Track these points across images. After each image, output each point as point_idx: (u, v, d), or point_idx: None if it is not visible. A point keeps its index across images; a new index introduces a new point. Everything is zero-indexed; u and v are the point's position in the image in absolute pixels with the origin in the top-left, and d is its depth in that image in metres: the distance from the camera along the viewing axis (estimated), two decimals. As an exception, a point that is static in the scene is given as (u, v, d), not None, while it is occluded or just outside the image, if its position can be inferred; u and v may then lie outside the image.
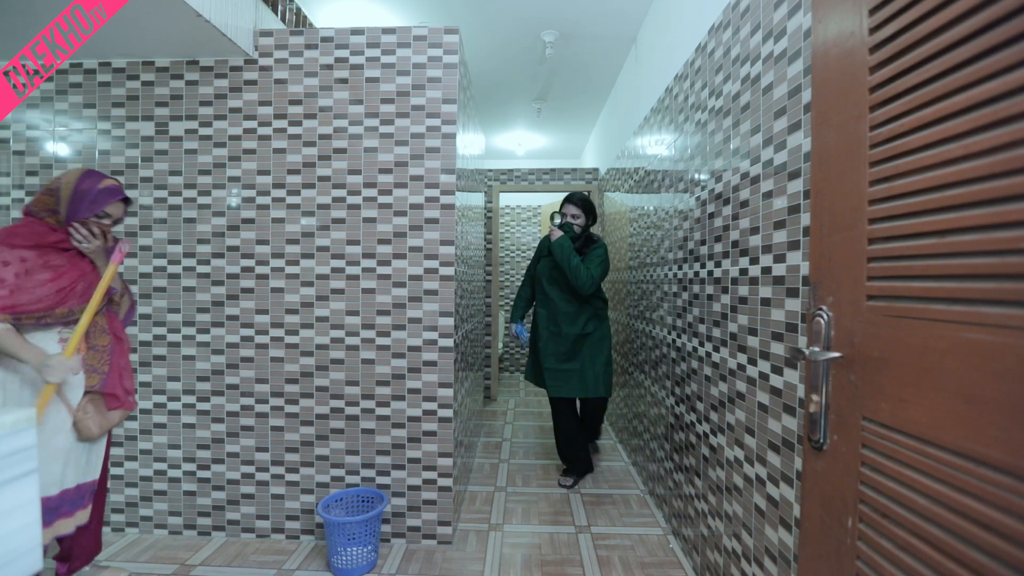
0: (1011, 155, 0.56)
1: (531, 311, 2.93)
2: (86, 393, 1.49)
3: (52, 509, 1.40)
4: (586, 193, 2.75)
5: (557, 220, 2.70)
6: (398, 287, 2.06)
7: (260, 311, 2.08)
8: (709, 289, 1.77)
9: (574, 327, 2.68)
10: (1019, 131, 0.55)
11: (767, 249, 1.36)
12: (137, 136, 2.09)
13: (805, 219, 1.18)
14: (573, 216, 2.70)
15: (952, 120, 0.63)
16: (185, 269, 2.10)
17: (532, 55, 3.12)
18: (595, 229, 4.62)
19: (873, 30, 0.75)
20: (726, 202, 1.63)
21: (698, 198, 1.88)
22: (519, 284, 2.92)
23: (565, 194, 5.37)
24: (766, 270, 1.37)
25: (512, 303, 2.91)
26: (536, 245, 6.65)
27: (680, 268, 2.10)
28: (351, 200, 2.06)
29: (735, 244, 1.56)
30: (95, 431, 1.49)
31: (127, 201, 1.56)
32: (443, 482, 2.08)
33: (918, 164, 0.68)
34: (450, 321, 2.05)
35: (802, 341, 1.19)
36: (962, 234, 0.62)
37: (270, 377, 2.09)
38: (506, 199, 5.93)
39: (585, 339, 2.70)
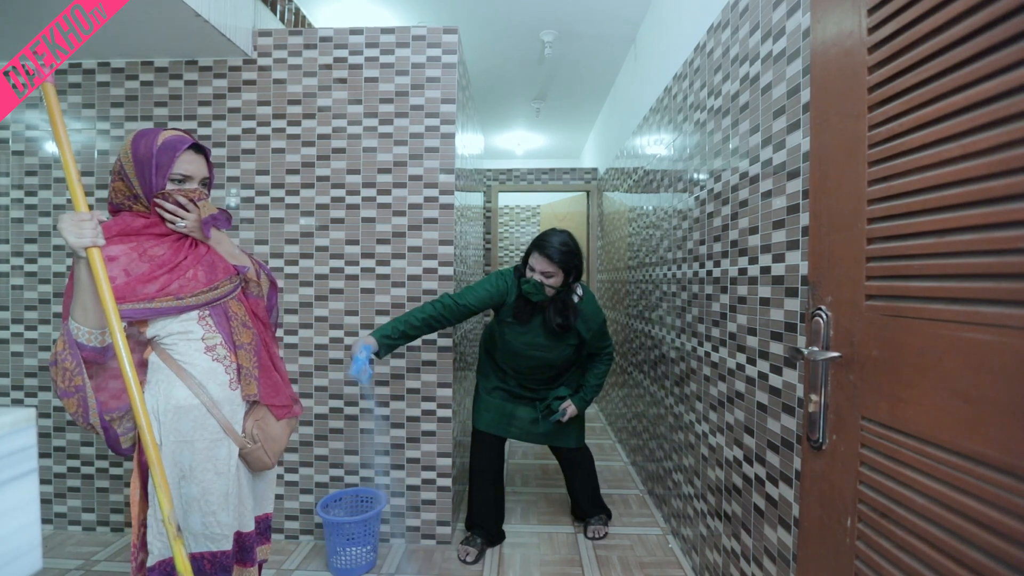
0: (1009, 155, 0.56)
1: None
2: (250, 408, 1.19)
3: (226, 567, 1.14)
4: (567, 242, 1.80)
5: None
6: (397, 287, 2.06)
7: (259, 311, 2.08)
8: (708, 289, 1.78)
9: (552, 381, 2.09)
10: (1017, 131, 0.56)
11: (766, 249, 1.36)
12: (136, 136, 2.09)
13: (804, 219, 1.18)
14: (544, 274, 1.79)
15: (951, 120, 0.63)
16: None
17: (531, 55, 3.12)
18: (595, 235, 4.57)
19: (872, 30, 0.75)
20: (725, 202, 1.63)
21: (697, 198, 1.88)
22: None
23: (565, 195, 5.35)
24: (765, 270, 1.37)
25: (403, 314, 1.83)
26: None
27: (679, 268, 2.10)
28: (350, 200, 2.06)
29: (734, 244, 1.56)
30: (270, 460, 1.20)
31: (201, 150, 1.17)
32: (442, 482, 2.08)
33: (917, 164, 0.68)
34: (449, 321, 2.05)
35: (801, 341, 1.19)
36: (961, 233, 0.63)
37: (269, 377, 2.09)
38: (505, 199, 5.93)
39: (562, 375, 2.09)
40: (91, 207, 1.14)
